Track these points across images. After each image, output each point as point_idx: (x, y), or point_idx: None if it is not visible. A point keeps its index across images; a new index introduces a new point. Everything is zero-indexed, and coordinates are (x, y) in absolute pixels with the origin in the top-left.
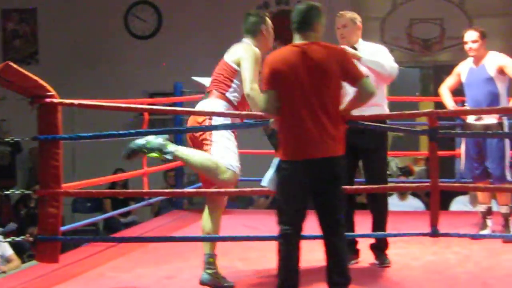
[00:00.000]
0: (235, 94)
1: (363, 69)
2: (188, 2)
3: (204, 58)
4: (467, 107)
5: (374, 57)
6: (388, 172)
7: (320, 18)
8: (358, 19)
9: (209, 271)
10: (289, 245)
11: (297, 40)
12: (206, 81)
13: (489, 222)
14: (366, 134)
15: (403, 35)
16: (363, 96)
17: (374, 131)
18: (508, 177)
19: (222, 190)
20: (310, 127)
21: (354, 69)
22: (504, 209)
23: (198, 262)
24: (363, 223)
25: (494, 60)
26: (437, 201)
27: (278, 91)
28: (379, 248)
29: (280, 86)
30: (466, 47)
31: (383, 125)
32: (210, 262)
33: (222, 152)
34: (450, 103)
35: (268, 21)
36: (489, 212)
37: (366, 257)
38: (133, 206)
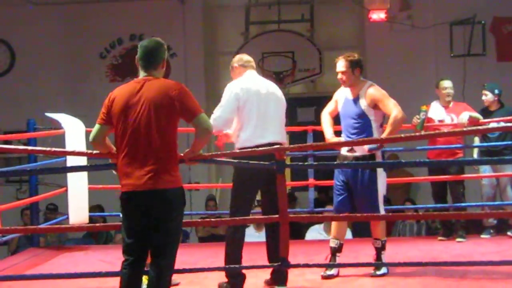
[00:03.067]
0: None
1: None
2: (41, 39)
3: (57, 95)
4: (342, 137)
5: None
6: None
7: (163, 54)
8: (235, 63)
9: None
10: (128, 274)
11: (141, 75)
12: (59, 117)
13: (338, 259)
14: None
15: (256, 68)
16: (199, 132)
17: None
18: (381, 211)
19: (76, 226)
20: (137, 160)
21: (189, 104)
22: (376, 243)
23: None
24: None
25: (368, 94)
26: (287, 233)
27: (109, 126)
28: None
29: (113, 120)
30: (338, 78)
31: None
32: None
33: None
34: (328, 131)
35: None
36: (339, 249)
37: None
38: None
